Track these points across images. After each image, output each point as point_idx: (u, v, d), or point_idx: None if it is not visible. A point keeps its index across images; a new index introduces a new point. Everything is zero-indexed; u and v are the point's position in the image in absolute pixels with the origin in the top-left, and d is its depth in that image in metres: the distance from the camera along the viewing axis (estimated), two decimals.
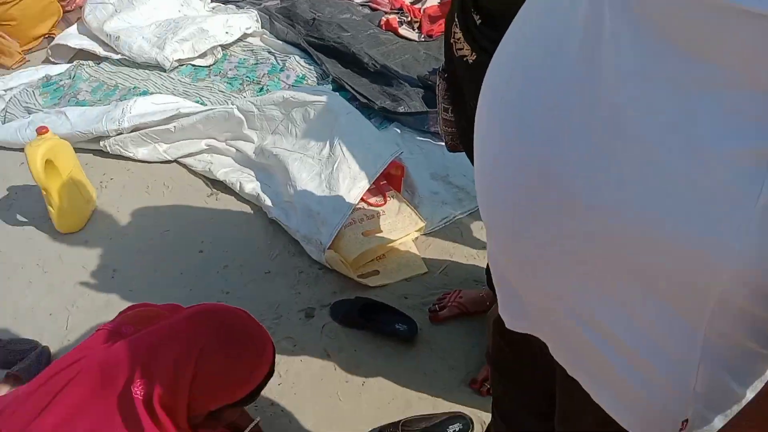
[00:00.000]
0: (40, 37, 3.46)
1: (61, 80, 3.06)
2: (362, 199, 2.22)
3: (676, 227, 0.54)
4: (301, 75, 3.00)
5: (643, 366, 0.64)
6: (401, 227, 2.22)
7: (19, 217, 2.43)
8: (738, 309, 0.55)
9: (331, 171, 2.25)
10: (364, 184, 2.21)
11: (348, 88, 2.86)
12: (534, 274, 0.70)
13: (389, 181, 2.35)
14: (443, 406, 1.80)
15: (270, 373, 1.29)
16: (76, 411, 1.15)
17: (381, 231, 2.18)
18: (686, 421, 0.66)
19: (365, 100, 2.78)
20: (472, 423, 1.74)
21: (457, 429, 1.72)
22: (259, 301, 2.10)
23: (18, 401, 1.22)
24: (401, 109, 2.70)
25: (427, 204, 2.37)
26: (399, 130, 2.72)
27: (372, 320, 1.99)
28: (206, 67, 3.12)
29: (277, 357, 1.90)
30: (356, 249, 2.12)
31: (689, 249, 0.53)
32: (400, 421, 1.74)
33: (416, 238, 2.29)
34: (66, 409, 1.15)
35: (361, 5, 3.50)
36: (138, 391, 1.16)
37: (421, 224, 2.26)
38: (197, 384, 1.17)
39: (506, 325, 0.84)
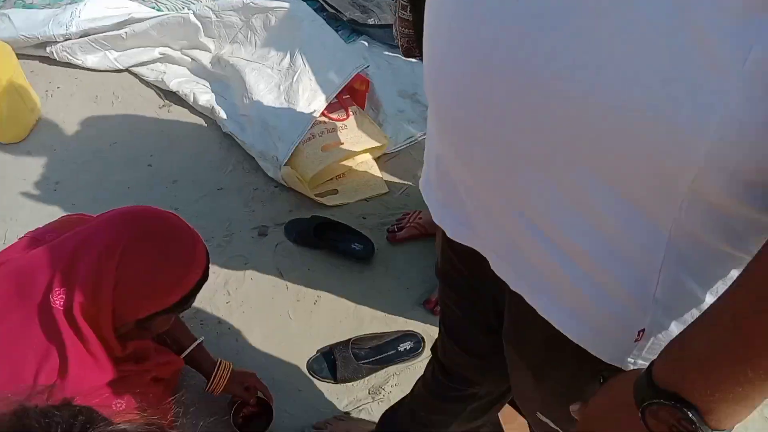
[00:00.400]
0: None
1: None
2: (323, 113, 2.09)
3: (647, 95, 0.44)
4: None
5: (601, 274, 0.57)
6: (362, 143, 2.10)
7: None
8: (709, 203, 0.47)
9: (291, 83, 2.11)
10: (325, 98, 2.07)
11: None
12: (482, 170, 0.60)
13: (353, 96, 2.22)
14: (396, 326, 1.74)
15: (203, 279, 1.19)
16: None
17: (341, 144, 2.07)
18: (642, 330, 0.58)
19: (333, 11, 2.61)
20: (424, 341, 1.69)
21: (408, 347, 1.66)
22: (210, 217, 1.99)
23: None
24: (371, 21, 2.54)
25: (392, 122, 2.25)
26: (367, 44, 2.56)
27: (328, 239, 1.91)
28: None
29: (227, 275, 1.85)
30: (314, 166, 2.01)
31: (662, 123, 0.44)
32: (350, 340, 1.68)
33: (378, 157, 2.19)
34: None
35: None
36: (57, 300, 1.06)
37: (384, 141, 2.14)
38: (121, 289, 1.07)
39: (447, 235, 0.74)
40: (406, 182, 2.12)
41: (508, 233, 0.63)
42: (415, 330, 1.72)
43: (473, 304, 0.91)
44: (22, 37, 2.44)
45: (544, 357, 0.72)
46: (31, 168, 2.14)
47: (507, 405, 1.49)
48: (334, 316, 1.77)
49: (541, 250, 0.59)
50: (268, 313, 1.78)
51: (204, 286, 1.75)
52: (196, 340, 1.45)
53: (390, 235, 1.93)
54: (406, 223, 1.94)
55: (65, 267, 1.08)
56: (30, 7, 2.64)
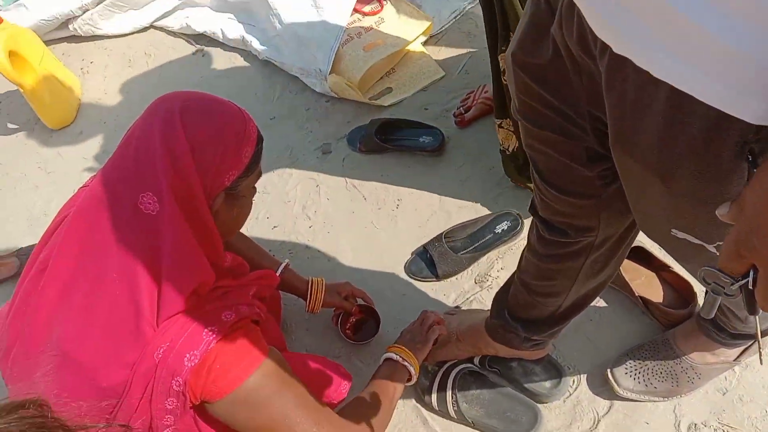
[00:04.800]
0: None
1: None
2: (355, 10, 1.94)
3: None
4: None
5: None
6: (406, 31, 1.93)
7: (10, 125, 2.28)
8: None
9: None
10: None
11: None
12: None
13: None
14: (485, 210, 1.62)
15: (260, 135, 1.08)
16: (84, 248, 1.00)
17: (383, 41, 1.90)
18: None
19: None
20: (521, 217, 1.56)
21: (505, 227, 1.54)
22: (270, 148, 1.90)
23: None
24: None
25: (431, 0, 2.05)
26: None
27: (393, 140, 1.79)
28: None
29: (302, 200, 1.78)
30: (360, 67, 1.87)
31: None
32: (442, 234, 1.58)
33: (425, 41, 2.01)
34: (71, 251, 1.00)
35: None
36: (147, 205, 0.95)
37: (428, 23, 1.96)
38: (198, 155, 0.96)
39: None
40: (461, 59, 1.95)
41: None
42: (508, 209, 1.59)
43: (566, 134, 0.77)
44: (43, 21, 2.38)
45: (669, 149, 0.57)
46: (88, 147, 2.12)
47: (628, 261, 1.37)
48: (420, 215, 1.67)
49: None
50: (353, 227, 1.70)
51: (283, 215, 1.71)
52: (281, 263, 1.40)
53: (457, 119, 1.79)
54: (471, 102, 1.78)
55: (136, 167, 0.98)
56: None
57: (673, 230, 0.66)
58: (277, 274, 1.34)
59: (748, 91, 0.44)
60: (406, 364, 1.22)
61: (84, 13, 2.38)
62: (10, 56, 2.00)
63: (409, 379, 1.24)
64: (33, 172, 2.12)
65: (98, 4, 2.37)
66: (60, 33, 2.47)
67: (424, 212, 1.68)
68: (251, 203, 1.16)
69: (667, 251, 0.76)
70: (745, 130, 0.48)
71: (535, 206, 0.96)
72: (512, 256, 1.54)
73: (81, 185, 1.95)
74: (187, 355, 0.90)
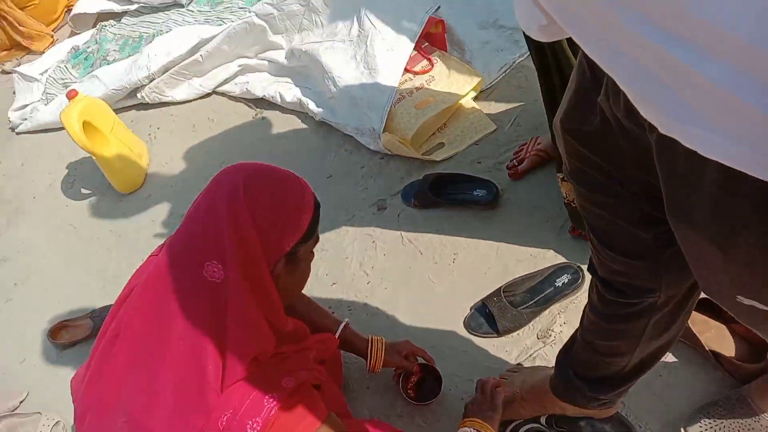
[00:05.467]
0: (61, 12, 3.40)
1: (88, 47, 2.98)
2: (406, 70, 1.99)
3: None
4: None
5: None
6: (456, 88, 1.98)
7: (83, 191, 2.43)
8: None
9: (365, 49, 2.02)
10: (404, 53, 1.97)
11: None
12: None
13: (431, 41, 2.09)
14: (545, 262, 1.61)
15: (317, 201, 1.14)
16: (155, 312, 1.05)
17: (434, 98, 1.95)
18: None
19: None
20: (581, 269, 1.54)
21: (565, 280, 1.53)
22: (328, 206, 1.95)
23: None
24: None
25: (480, 56, 2.09)
26: None
27: (447, 194, 1.81)
28: None
29: (360, 257, 1.81)
30: (412, 125, 1.91)
31: None
32: (500, 288, 1.57)
33: (476, 95, 2.04)
34: (140, 320, 1.06)
35: None
36: (211, 272, 1.01)
37: (478, 79, 2.00)
38: (260, 223, 1.01)
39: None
40: (513, 112, 1.97)
41: (634, 56, 0.49)
42: (567, 261, 1.58)
43: (619, 198, 0.77)
44: (113, 91, 2.56)
45: (726, 219, 0.57)
46: (156, 209, 2.23)
47: (696, 312, 1.32)
48: (477, 269, 1.68)
49: (677, 63, 0.44)
50: (410, 282, 1.72)
51: (341, 271, 1.74)
52: (341, 322, 1.42)
53: (510, 172, 1.80)
54: (524, 154, 1.80)
55: (203, 237, 1.04)
56: (113, 62, 2.77)
57: (739, 296, 0.65)
58: (337, 334, 1.37)
59: None
60: None
61: (151, 81, 2.54)
62: (83, 126, 2.15)
63: None
64: (105, 236, 2.24)
65: (164, 72, 2.52)
66: (129, 101, 2.63)
67: (481, 266, 1.68)
68: (310, 267, 1.20)
69: (734, 316, 0.75)
70: None
71: (594, 266, 0.96)
72: (574, 310, 1.52)
73: (150, 248, 2.04)
74: (250, 422, 0.93)
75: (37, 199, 2.53)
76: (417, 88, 1.99)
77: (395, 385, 1.46)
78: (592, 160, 0.76)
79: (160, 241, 2.07)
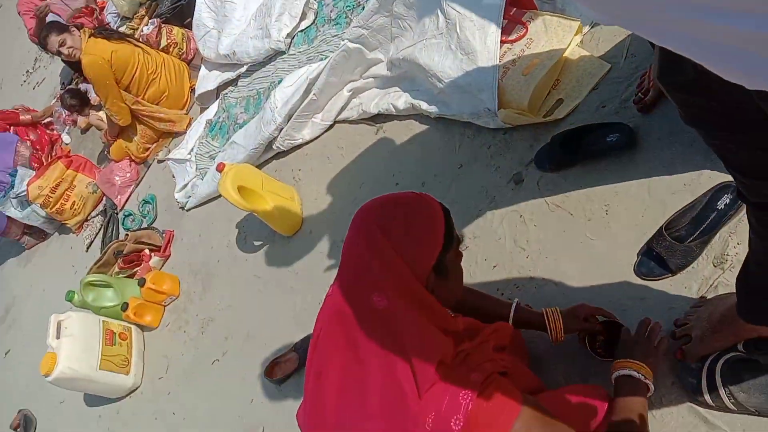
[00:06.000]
0: (188, 95, 3.80)
1: (219, 118, 3.32)
2: (503, 41, 2.00)
3: None
4: None
5: None
6: (557, 41, 1.95)
7: (255, 243, 2.72)
8: None
9: (457, 36, 2.06)
10: (494, 28, 1.98)
11: None
12: None
13: (519, 5, 2.07)
14: (701, 189, 1.55)
15: (445, 209, 1.23)
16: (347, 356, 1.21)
17: (539, 59, 1.94)
18: None
19: None
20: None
21: (727, 201, 1.46)
22: (469, 195, 2.03)
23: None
24: None
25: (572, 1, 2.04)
26: None
27: (581, 149, 1.79)
28: (312, 24, 3.09)
29: (512, 233, 1.86)
30: (525, 92, 1.92)
31: None
32: (662, 227, 1.54)
33: (581, 41, 1.99)
34: (337, 361, 1.21)
35: None
36: (378, 302, 1.15)
37: (577, 24, 1.95)
38: (403, 250, 1.13)
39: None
40: (623, 45, 1.90)
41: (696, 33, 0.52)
42: (724, 181, 1.51)
43: (739, 129, 0.76)
44: (252, 150, 2.83)
45: None
46: (321, 243, 2.44)
47: None
48: (633, 214, 1.65)
49: (741, 31, 0.46)
50: (569, 245, 1.73)
51: (499, 253, 1.81)
52: (512, 304, 1.49)
53: (639, 106, 1.74)
54: (648, 83, 1.73)
55: (360, 276, 1.18)
56: (244, 124, 3.05)
57: None
58: (510, 318, 1.43)
59: None
60: (647, 381, 1.23)
61: (280, 131, 2.77)
62: (239, 190, 2.41)
63: (648, 395, 1.24)
64: (284, 277, 2.50)
65: (288, 120, 2.74)
66: (267, 154, 2.89)
67: (637, 210, 1.65)
68: (461, 268, 1.29)
69: None
70: None
71: (742, 193, 0.94)
72: (744, 227, 1.44)
73: (324, 279, 2.25)
74: (453, 419, 1.03)
75: (221, 262, 2.87)
76: (519, 56, 1.99)
77: (582, 347, 1.49)
78: (701, 104, 0.76)
79: (332, 271, 2.28)
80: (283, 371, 2.23)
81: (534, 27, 2.01)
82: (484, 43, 1.98)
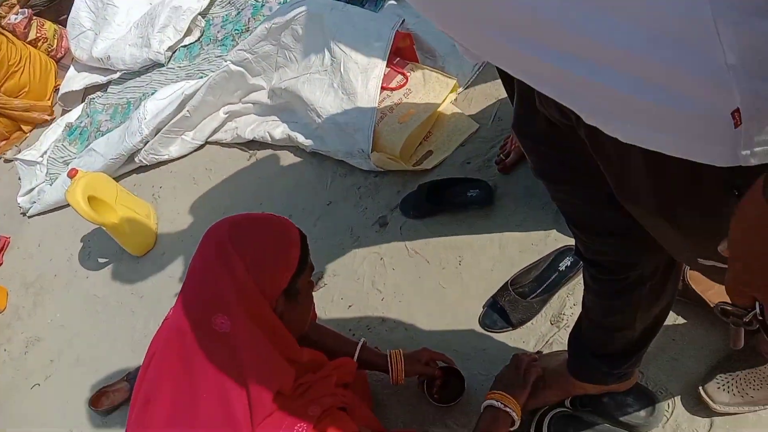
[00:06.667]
0: (50, 94, 3.52)
1: (81, 122, 3.09)
2: (383, 88, 2.05)
3: None
4: (281, 0, 2.81)
5: (654, 68, 0.48)
6: (434, 96, 2.03)
7: (100, 260, 2.51)
8: None
9: (341, 75, 2.08)
10: (377, 73, 2.03)
11: None
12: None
13: (402, 55, 2.15)
14: (548, 248, 1.65)
15: (302, 234, 1.21)
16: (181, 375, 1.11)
17: (415, 110, 2.00)
18: (737, 111, 0.47)
19: None
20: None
21: (568, 263, 1.57)
22: (334, 233, 2.02)
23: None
24: None
25: (452, 59, 2.14)
26: (396, 1, 2.46)
27: (444, 200, 1.86)
28: (196, 41, 3.01)
29: (371, 275, 1.86)
30: (398, 139, 1.97)
31: None
32: (507, 282, 1.61)
33: (455, 99, 2.09)
34: (169, 380, 1.12)
35: None
36: (219, 325, 1.07)
37: (453, 82, 2.05)
38: (253, 269, 1.09)
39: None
40: (493, 108, 2.01)
41: (535, 71, 0.55)
42: (569, 244, 1.62)
43: (582, 184, 0.82)
44: (111, 160, 2.65)
45: (662, 194, 0.62)
46: (172, 266, 2.30)
47: (696, 273, 1.35)
48: (484, 267, 1.72)
49: (576, 76, 0.50)
50: (422, 291, 1.76)
51: (356, 292, 1.80)
52: (358, 343, 1.47)
53: (500, 167, 1.84)
54: (510, 146, 1.84)
55: (203, 293, 1.11)
56: (107, 132, 2.87)
57: (699, 259, 0.69)
58: (356, 355, 1.42)
59: (701, 139, 0.49)
60: (508, 410, 1.25)
61: (145, 144, 2.63)
62: (89, 200, 2.23)
63: (512, 424, 1.26)
64: (127, 299, 2.32)
65: (156, 133, 2.61)
66: (128, 167, 2.72)
67: (487, 264, 1.72)
68: (312, 297, 1.26)
69: (704, 275, 0.78)
70: (722, 169, 0.52)
71: (579, 249, 1.00)
72: (581, 290, 1.54)
73: (172, 305, 2.11)
74: None
75: (59, 276, 2.62)
76: (396, 104, 2.04)
77: (421, 391, 1.50)
78: (549, 154, 0.80)
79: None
80: (110, 401, 2.03)
81: (414, 79, 2.08)
82: (366, 87, 2.02)
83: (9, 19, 3.65)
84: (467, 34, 0.59)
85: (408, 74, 2.09)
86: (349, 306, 1.83)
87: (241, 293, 1.07)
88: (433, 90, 2.05)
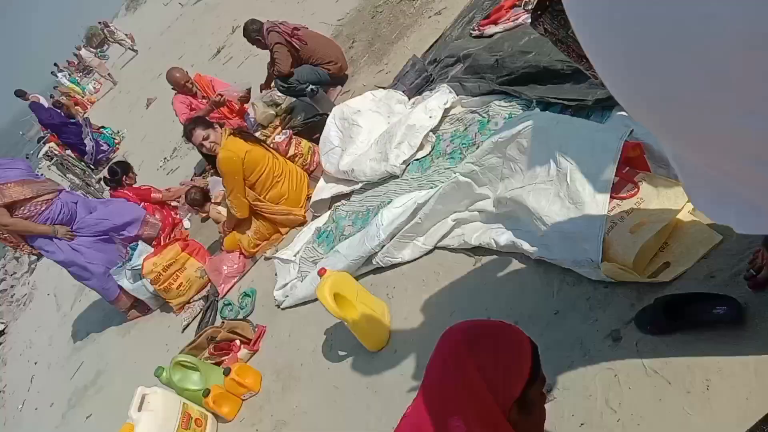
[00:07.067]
0: (304, 201, 4.06)
1: (328, 227, 3.51)
2: (612, 197, 2.03)
3: None
4: (507, 115, 2.97)
5: None
6: (669, 204, 1.96)
7: (340, 353, 2.76)
8: None
9: (567, 185, 2.12)
10: (606, 183, 2.03)
11: (553, 101, 2.73)
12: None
13: (633, 165, 2.12)
14: None
15: (534, 343, 1.23)
16: None
17: (649, 219, 1.95)
18: None
19: (576, 102, 2.62)
20: None
21: None
22: (562, 344, 2.00)
23: None
24: None
25: None
26: (626, 113, 2.46)
27: (685, 316, 1.74)
28: (427, 155, 3.29)
29: (604, 393, 1.80)
30: (631, 250, 1.92)
31: None
32: (766, 416, 1.44)
33: (693, 208, 1.99)
34: None
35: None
36: (457, 426, 1.15)
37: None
38: (487, 374, 1.14)
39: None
40: None
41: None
42: None
43: None
44: (352, 261, 2.95)
45: None
46: (404, 364, 2.44)
47: None
48: (736, 395, 1.55)
49: None
50: (663, 416, 1.64)
51: (587, 410, 1.74)
52: None
53: (750, 283, 1.68)
54: (761, 261, 1.68)
55: (441, 397, 1.19)
56: (349, 236, 3.21)
57: None
58: None
59: None
60: None
61: (382, 248, 2.89)
62: (334, 297, 2.50)
63: None
64: (363, 393, 2.50)
65: (392, 238, 2.85)
66: (366, 268, 3.00)
67: (741, 391, 1.56)
68: (544, 409, 1.27)
69: None
70: None
71: None
72: None
73: (403, 401, 2.24)
74: None
75: (304, 366, 2.93)
76: (627, 213, 2.01)
77: None
78: None
79: (411, 395, 2.26)
80: None
81: (646, 188, 2.04)
82: (594, 196, 2.02)
83: (274, 139, 4.37)
84: (711, 160, 0.65)
85: (639, 183, 2.05)
86: (581, 424, 1.77)
87: (475, 399, 1.13)
88: (667, 199, 1.98)
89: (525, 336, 1.25)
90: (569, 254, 2.09)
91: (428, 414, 1.20)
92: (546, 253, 2.21)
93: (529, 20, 1.58)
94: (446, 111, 3.35)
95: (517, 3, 3.45)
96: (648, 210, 1.99)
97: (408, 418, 1.31)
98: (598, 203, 2.02)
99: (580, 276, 2.10)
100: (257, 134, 4.68)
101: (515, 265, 2.39)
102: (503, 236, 2.43)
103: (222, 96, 5.20)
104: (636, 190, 2.04)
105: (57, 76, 20.30)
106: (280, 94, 5.11)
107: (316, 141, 4.12)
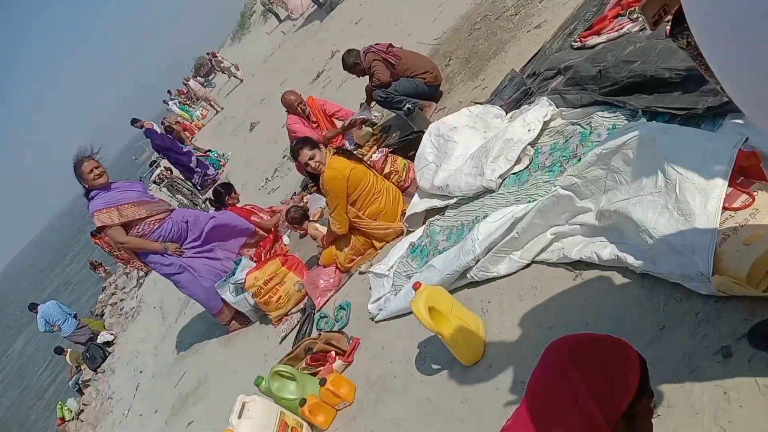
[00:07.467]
0: (399, 216, 4.12)
1: (422, 242, 3.54)
2: (725, 208, 1.94)
3: None
4: (611, 126, 2.89)
5: None
6: None
7: (433, 366, 2.77)
8: None
9: (676, 196, 2.04)
10: (718, 192, 1.94)
11: (661, 110, 2.64)
12: None
13: (747, 174, 2.01)
14: None
15: (642, 357, 1.20)
16: None
17: (764, 231, 1.84)
18: None
19: (685, 111, 2.52)
20: None
21: None
22: (668, 360, 1.91)
23: None
24: (726, 98, 2.35)
25: None
26: (740, 120, 2.35)
27: None
28: (525, 168, 3.26)
29: (713, 409, 1.72)
30: (745, 262, 1.82)
31: None
32: None
33: None
34: None
35: (640, 30, 3.31)
36: None
37: None
38: (594, 387, 1.13)
39: None
40: None
41: None
42: None
43: None
44: (447, 276, 2.96)
45: None
46: (498, 378, 2.41)
47: None
48: None
49: None
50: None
51: (694, 429, 1.66)
52: None
53: None
54: None
55: (546, 410, 1.19)
56: (443, 250, 3.23)
57: None
58: None
59: None
60: None
61: (477, 262, 2.88)
62: (429, 311, 2.52)
63: None
64: (457, 406, 2.48)
65: (487, 252, 2.84)
66: (460, 282, 3.00)
67: None
68: (651, 425, 1.23)
69: None
70: None
71: None
72: None
73: (497, 416, 2.22)
74: None
75: (398, 378, 2.95)
76: (741, 225, 1.90)
77: None
78: None
79: (506, 409, 2.23)
80: None
81: (762, 198, 1.93)
82: (704, 207, 1.94)
83: (371, 157, 4.48)
84: None
85: (754, 194, 1.95)
86: None
87: (580, 412, 1.12)
88: None
89: (633, 349, 1.22)
90: (677, 268, 2.01)
91: (532, 426, 1.19)
92: (652, 267, 2.13)
93: (669, 31, 1.51)
94: (545, 124, 3.31)
95: (622, 12, 3.39)
96: (763, 223, 1.88)
97: (509, 430, 1.31)
98: (708, 214, 1.93)
99: (688, 291, 2.01)
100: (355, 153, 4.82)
101: (618, 279, 2.32)
102: (606, 250, 2.36)
103: (356, 120, 5.35)
104: (751, 200, 1.94)
105: (168, 104, 21.85)
106: (377, 113, 5.23)
107: (412, 158, 4.19)
